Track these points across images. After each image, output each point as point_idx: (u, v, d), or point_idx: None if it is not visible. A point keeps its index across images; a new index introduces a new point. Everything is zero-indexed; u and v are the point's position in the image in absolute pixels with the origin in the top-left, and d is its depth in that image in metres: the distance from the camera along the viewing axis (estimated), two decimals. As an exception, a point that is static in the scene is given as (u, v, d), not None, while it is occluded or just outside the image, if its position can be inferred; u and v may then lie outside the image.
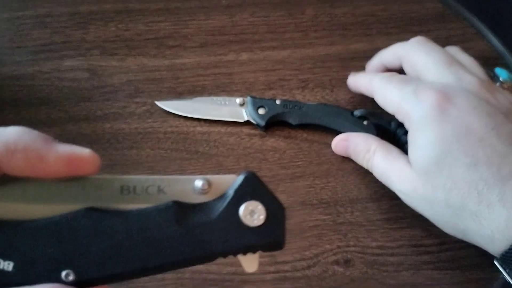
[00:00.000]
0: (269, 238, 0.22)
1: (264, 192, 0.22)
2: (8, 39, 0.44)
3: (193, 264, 0.22)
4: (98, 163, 0.22)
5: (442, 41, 0.38)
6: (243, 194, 0.22)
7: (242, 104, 0.40)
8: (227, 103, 0.40)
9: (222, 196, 0.22)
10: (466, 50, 0.38)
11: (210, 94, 0.41)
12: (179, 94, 0.41)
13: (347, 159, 0.39)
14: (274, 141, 0.40)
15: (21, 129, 0.21)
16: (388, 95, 0.35)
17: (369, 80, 0.37)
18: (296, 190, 0.37)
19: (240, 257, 0.22)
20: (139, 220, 0.21)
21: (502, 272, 0.30)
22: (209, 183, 0.22)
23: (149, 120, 0.40)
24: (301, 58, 0.44)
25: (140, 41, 0.44)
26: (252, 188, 0.22)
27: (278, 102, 0.40)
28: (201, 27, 0.45)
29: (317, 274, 0.34)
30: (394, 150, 0.35)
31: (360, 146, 0.37)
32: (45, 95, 0.41)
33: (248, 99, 0.40)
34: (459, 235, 0.32)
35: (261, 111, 0.39)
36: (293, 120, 0.39)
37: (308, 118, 0.39)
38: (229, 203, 0.22)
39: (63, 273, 0.20)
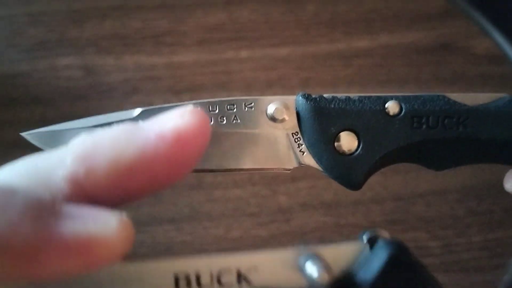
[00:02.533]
0: None
1: (423, 283, 0.14)
2: (2, 37, 0.43)
3: None
4: (131, 239, 0.13)
5: (446, 39, 0.38)
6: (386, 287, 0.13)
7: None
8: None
9: (346, 286, 0.14)
10: (471, 48, 0.38)
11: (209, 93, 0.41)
12: (177, 93, 0.41)
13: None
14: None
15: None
16: None
17: None
18: (297, 192, 0.37)
19: None
20: None
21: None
22: (327, 270, 0.14)
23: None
24: (302, 56, 0.43)
25: (136, 38, 0.44)
26: (403, 276, 0.13)
27: None
28: (200, 24, 0.45)
29: (318, 278, 0.34)
30: None
31: None
32: (40, 94, 0.41)
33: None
34: None
35: None
36: None
37: None
38: None
39: None
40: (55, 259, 0.12)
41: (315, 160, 0.19)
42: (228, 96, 0.40)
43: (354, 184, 0.19)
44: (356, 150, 0.19)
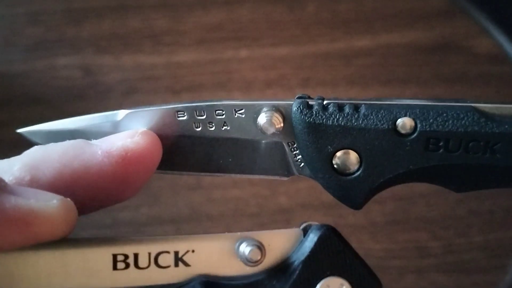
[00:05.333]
0: None
1: (351, 262, 0.15)
2: (0, 37, 0.43)
3: None
4: (75, 218, 0.14)
5: (447, 38, 0.38)
6: (318, 267, 0.14)
7: None
8: None
9: (282, 269, 0.15)
10: (472, 47, 0.38)
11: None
12: (176, 93, 0.41)
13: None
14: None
15: None
16: None
17: None
18: (297, 192, 0.37)
19: None
20: None
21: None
22: (261, 249, 0.15)
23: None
24: (302, 56, 0.43)
25: (136, 38, 0.44)
26: (332, 255, 0.15)
27: None
28: (199, 24, 0.45)
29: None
30: None
31: None
32: (38, 93, 0.41)
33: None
34: None
35: None
36: None
37: None
38: (295, 282, 0.14)
39: None
40: None
41: (312, 175, 0.17)
42: (228, 96, 0.40)
43: (353, 204, 0.17)
44: (357, 170, 0.16)
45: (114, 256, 0.14)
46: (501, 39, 0.44)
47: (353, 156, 0.16)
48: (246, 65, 0.43)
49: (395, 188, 0.40)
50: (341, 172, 0.16)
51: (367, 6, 0.46)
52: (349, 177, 0.16)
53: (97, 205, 0.16)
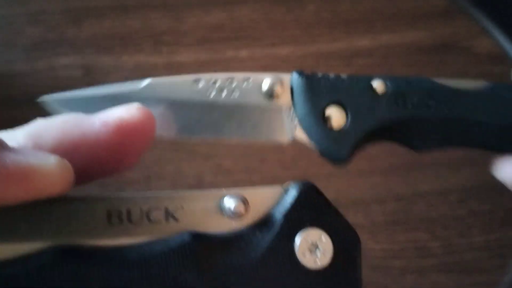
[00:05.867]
0: (339, 285, 0.15)
1: (330, 215, 0.15)
2: (0, 36, 0.43)
3: None
4: (71, 176, 0.15)
5: (447, 38, 0.38)
6: (298, 218, 0.15)
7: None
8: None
9: (264, 222, 0.15)
10: (472, 47, 0.38)
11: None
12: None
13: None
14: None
15: None
16: None
17: None
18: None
19: None
20: (136, 265, 0.14)
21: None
22: (245, 203, 0.15)
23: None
24: (302, 56, 0.43)
25: (136, 38, 0.43)
26: (311, 208, 0.15)
27: None
28: (199, 24, 0.44)
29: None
30: None
31: None
32: (39, 93, 0.40)
33: None
34: None
35: None
36: None
37: None
38: (278, 233, 0.15)
39: None
40: None
41: (306, 134, 0.20)
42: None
43: (340, 158, 0.19)
44: (344, 125, 0.19)
45: (109, 212, 0.15)
46: (502, 39, 0.44)
47: (341, 112, 0.19)
48: (246, 65, 0.42)
49: (396, 188, 0.40)
50: (331, 127, 0.19)
51: (367, 6, 0.46)
52: (338, 131, 0.19)
53: (96, 174, 0.17)
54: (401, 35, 0.40)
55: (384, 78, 0.20)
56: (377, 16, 0.46)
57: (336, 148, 0.19)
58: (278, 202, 0.16)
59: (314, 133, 0.19)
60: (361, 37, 0.44)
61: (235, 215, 0.15)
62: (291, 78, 0.20)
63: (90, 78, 0.41)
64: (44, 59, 0.42)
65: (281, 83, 0.20)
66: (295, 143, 0.20)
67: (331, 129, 0.19)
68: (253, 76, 0.20)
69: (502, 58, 0.43)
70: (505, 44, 0.44)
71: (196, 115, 0.20)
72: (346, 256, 0.15)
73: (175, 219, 0.15)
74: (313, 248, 0.15)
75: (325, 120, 0.19)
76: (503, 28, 0.44)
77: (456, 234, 0.37)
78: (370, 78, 0.20)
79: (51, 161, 0.15)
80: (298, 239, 0.15)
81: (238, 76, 0.20)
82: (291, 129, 0.20)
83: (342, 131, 0.19)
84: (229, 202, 0.15)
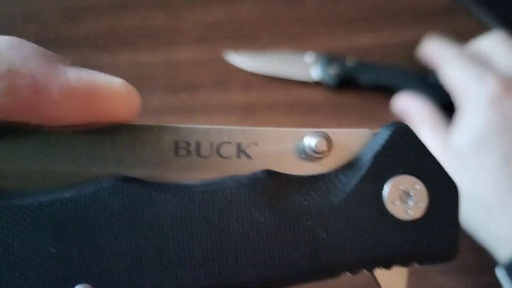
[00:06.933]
0: (433, 241, 0.13)
1: (425, 160, 0.13)
2: (-4, 35, 0.43)
3: (296, 283, 0.13)
4: (138, 102, 0.14)
5: (449, 37, 0.38)
6: (389, 163, 0.13)
7: (310, 63, 0.40)
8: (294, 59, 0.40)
9: (349, 166, 0.14)
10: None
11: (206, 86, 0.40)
12: (174, 92, 0.40)
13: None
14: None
15: (7, 42, 0.14)
16: (453, 70, 0.36)
17: (441, 51, 0.38)
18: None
19: (379, 272, 0.14)
20: (205, 201, 0.13)
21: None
22: (328, 141, 0.14)
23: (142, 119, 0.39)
24: (302, 55, 0.43)
25: (133, 36, 0.43)
26: (405, 152, 0.13)
27: (349, 61, 0.39)
28: (197, 22, 0.44)
29: (319, 281, 0.33)
30: (441, 125, 0.36)
31: (413, 112, 0.37)
32: None
33: (319, 57, 0.40)
34: (469, 227, 0.32)
35: (332, 70, 0.39)
36: (365, 80, 0.39)
37: (381, 79, 0.39)
38: (364, 178, 0.13)
39: None
40: (59, 98, 0.13)
41: None
42: (226, 96, 0.40)
43: None
44: None
45: (176, 143, 0.14)
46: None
47: None
48: (245, 64, 0.42)
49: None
50: None
51: (367, 4, 0.46)
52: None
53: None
54: (402, 33, 0.40)
55: None
56: (377, 14, 0.45)
57: None
58: (366, 145, 0.14)
59: None
60: (361, 35, 0.44)
61: (316, 153, 0.13)
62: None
63: (87, 77, 0.41)
64: (40, 58, 0.42)
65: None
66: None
67: None
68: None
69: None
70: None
71: None
72: (442, 207, 0.13)
73: (248, 156, 0.14)
74: (404, 196, 0.13)
75: None
76: (504, 27, 0.44)
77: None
78: None
79: (117, 81, 0.14)
80: (387, 186, 0.13)
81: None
82: None
83: None
84: (310, 140, 0.14)
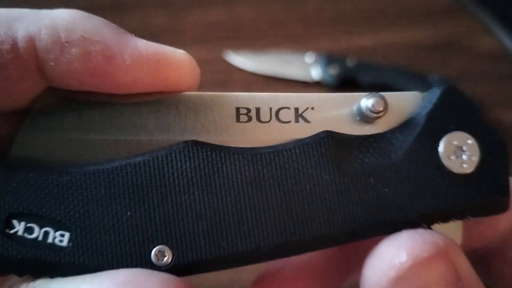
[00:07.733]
0: (485, 193, 0.14)
1: (475, 117, 0.14)
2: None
3: (362, 237, 0.14)
4: (199, 72, 0.15)
5: (450, 37, 0.37)
6: (442, 120, 0.14)
7: (310, 63, 0.39)
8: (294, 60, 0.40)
9: (405, 125, 0.14)
10: (474, 46, 0.37)
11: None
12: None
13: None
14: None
15: (79, 13, 0.15)
16: None
17: None
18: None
19: (436, 227, 0.14)
20: (272, 162, 0.14)
21: None
22: (384, 101, 0.14)
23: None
24: (302, 55, 0.43)
25: (134, 37, 0.43)
26: (456, 110, 0.14)
27: (349, 61, 0.39)
28: (198, 22, 0.44)
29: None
30: None
31: None
32: None
33: (319, 57, 0.40)
34: None
35: (332, 70, 0.39)
36: (365, 80, 0.38)
37: (381, 79, 0.39)
38: (420, 135, 0.14)
39: (154, 251, 0.13)
40: (130, 64, 0.13)
41: None
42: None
43: None
44: None
45: (237, 110, 0.15)
46: (504, 38, 0.44)
47: None
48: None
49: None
50: None
51: (368, 4, 0.46)
52: None
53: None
54: (403, 34, 0.40)
55: None
56: (378, 14, 0.45)
57: None
58: (419, 105, 0.14)
59: None
60: (362, 36, 0.44)
61: (374, 113, 0.14)
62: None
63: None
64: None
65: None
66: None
67: None
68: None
69: (504, 57, 0.43)
70: (507, 42, 0.44)
71: None
72: (493, 161, 0.14)
73: (306, 120, 0.15)
74: (458, 151, 0.14)
75: None
76: (505, 27, 0.44)
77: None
78: None
79: (182, 52, 0.14)
80: (442, 142, 0.14)
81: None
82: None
83: None
84: (368, 101, 0.14)
